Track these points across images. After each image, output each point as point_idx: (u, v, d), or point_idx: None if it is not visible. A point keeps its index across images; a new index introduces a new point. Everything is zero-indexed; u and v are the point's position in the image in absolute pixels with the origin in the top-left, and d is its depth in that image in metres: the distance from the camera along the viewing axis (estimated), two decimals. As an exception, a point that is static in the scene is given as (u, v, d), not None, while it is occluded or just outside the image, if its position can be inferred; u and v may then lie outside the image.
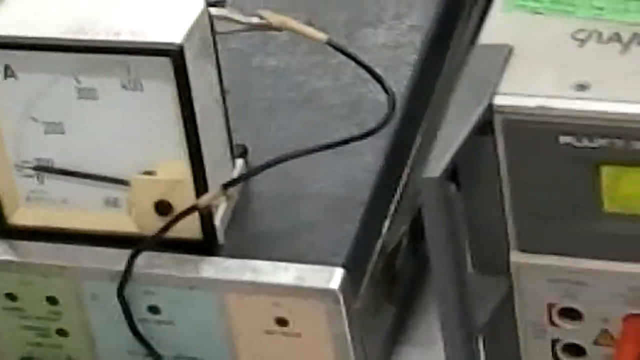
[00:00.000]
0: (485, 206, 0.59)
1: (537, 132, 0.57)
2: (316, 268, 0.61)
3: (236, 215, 0.64)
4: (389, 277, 0.71)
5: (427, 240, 0.57)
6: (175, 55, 0.57)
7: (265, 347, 0.64)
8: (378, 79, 0.67)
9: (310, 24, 0.68)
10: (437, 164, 0.56)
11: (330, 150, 0.64)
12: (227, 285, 0.61)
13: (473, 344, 0.61)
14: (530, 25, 0.61)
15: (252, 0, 0.79)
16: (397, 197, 0.71)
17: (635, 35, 0.58)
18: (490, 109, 0.56)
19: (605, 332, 0.60)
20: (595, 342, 0.60)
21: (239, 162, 0.67)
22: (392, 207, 0.71)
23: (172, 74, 0.58)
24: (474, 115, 0.56)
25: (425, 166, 0.56)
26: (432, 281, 0.71)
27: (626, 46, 0.57)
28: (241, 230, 0.64)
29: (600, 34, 0.58)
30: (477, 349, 0.63)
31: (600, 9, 0.61)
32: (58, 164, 0.63)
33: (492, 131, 0.56)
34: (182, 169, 0.61)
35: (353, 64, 0.70)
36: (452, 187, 0.57)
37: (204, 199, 0.60)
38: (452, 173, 0.57)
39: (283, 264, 0.60)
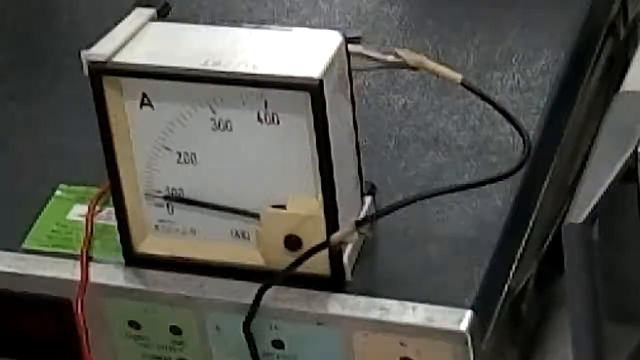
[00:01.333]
0: (626, 253, 0.57)
1: None
2: (445, 309, 0.59)
3: (364, 253, 0.63)
4: (515, 320, 0.70)
5: (567, 286, 0.56)
6: (314, 89, 0.56)
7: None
8: (513, 121, 0.66)
9: (442, 64, 0.68)
10: (580, 210, 0.55)
11: (459, 192, 0.64)
12: (354, 322, 0.59)
13: None
14: None
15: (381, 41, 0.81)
16: (525, 240, 0.70)
17: None
18: (636, 156, 0.55)
19: None
20: None
21: (368, 199, 0.66)
22: (520, 250, 0.70)
23: (309, 108, 0.57)
24: (619, 163, 0.55)
25: (569, 212, 0.55)
26: (554, 324, 0.73)
27: None
28: (369, 268, 0.62)
29: None
30: None
31: None
32: (188, 194, 0.62)
33: (637, 179, 0.56)
34: (313, 204, 0.60)
35: (481, 106, 0.71)
36: (595, 234, 0.56)
37: (336, 236, 0.59)
38: (595, 218, 0.55)
39: (411, 304, 0.59)
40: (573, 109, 0.79)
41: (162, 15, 0.65)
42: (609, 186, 0.55)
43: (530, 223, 0.71)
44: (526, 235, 0.71)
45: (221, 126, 0.61)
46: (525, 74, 0.79)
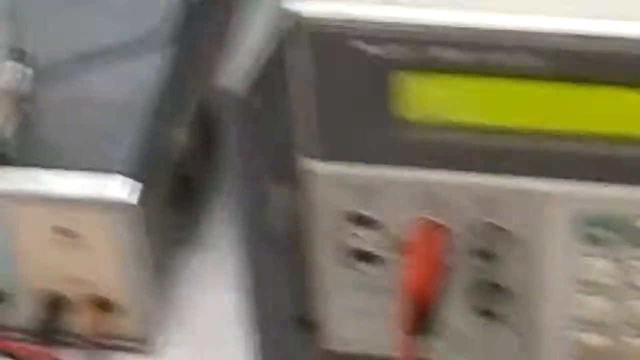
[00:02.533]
0: (284, 115, 0.59)
1: (341, 40, 0.57)
2: (108, 178, 0.61)
3: (24, 125, 0.63)
4: (182, 184, 0.72)
5: (227, 151, 0.58)
6: None
7: (50, 258, 0.63)
8: None
9: None
10: (237, 76, 0.56)
11: (116, 54, 0.64)
12: (11, 196, 0.60)
13: (269, 254, 0.63)
14: None
15: None
16: (189, 104, 0.72)
17: None
18: (294, 17, 0.56)
19: (400, 239, 0.62)
20: (391, 250, 0.62)
21: (17, 67, 0.65)
22: (186, 115, 0.71)
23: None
24: (277, 26, 0.56)
25: (226, 76, 0.57)
26: (219, 187, 0.76)
27: None
28: (25, 138, 0.62)
29: None
30: (272, 259, 0.64)
31: None
32: None
33: (297, 41, 0.57)
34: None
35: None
36: (256, 100, 0.57)
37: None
38: (256, 84, 0.57)
39: (73, 174, 0.60)
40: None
41: None
42: (269, 51, 0.56)
43: (192, 84, 0.73)
44: (191, 99, 0.73)
45: None
46: None
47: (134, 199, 0.64)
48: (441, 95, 0.58)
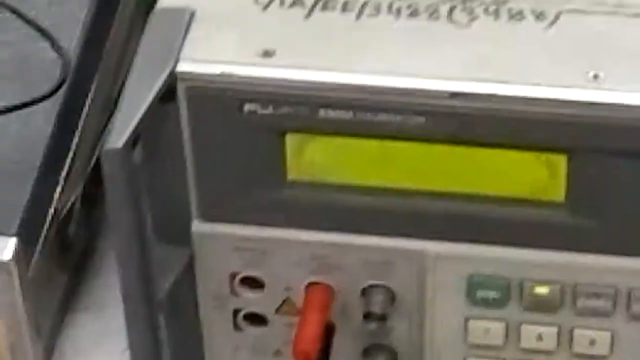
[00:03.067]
0: (169, 175, 0.61)
1: (221, 100, 0.58)
2: None
3: None
4: (62, 244, 0.72)
5: (109, 210, 0.59)
6: None
7: None
8: (50, 38, 0.70)
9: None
10: (119, 134, 0.57)
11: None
12: None
13: (154, 314, 0.63)
14: None
15: None
16: (68, 162, 0.72)
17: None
18: (173, 75, 0.57)
19: (287, 300, 0.63)
20: (278, 311, 0.63)
21: None
22: (64, 173, 0.72)
23: None
24: (157, 83, 0.57)
25: (107, 136, 0.57)
26: (104, 247, 0.76)
27: (310, 11, 0.59)
28: None
29: None
30: (158, 319, 0.64)
31: None
32: None
33: (176, 99, 0.58)
34: None
35: (19, 22, 0.73)
36: (136, 157, 0.57)
37: None
38: (136, 141, 0.57)
39: None
40: (114, 24, 0.82)
41: None
42: (148, 107, 0.56)
43: (74, 144, 0.74)
44: (70, 157, 0.73)
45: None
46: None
47: (8, 255, 0.64)
48: (326, 156, 0.60)
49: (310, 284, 0.64)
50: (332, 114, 0.57)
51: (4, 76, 0.74)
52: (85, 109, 0.77)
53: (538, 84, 0.55)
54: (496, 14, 0.59)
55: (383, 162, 0.60)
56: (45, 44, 0.73)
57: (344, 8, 0.60)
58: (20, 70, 0.74)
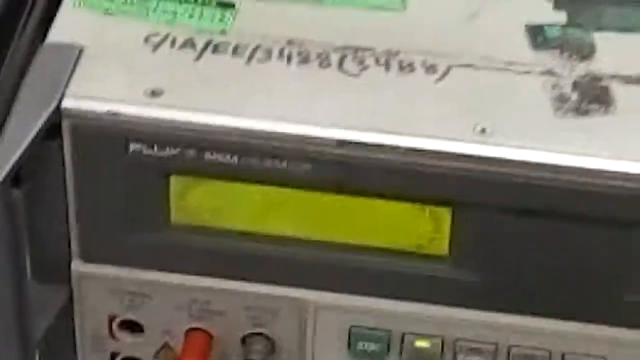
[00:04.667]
0: (49, 213, 0.61)
1: (106, 138, 0.58)
2: None
3: None
4: None
5: None
6: None
7: None
8: None
9: None
10: (0, 169, 0.56)
11: None
12: None
13: (30, 355, 0.62)
14: (102, 26, 0.62)
15: None
16: None
17: (209, 42, 0.61)
18: (58, 111, 0.56)
19: (166, 345, 0.63)
20: (156, 356, 0.63)
21: None
22: None
23: None
24: (41, 118, 0.56)
25: None
26: None
27: (200, 53, 0.60)
28: None
29: (174, 40, 0.61)
30: None
31: (174, 13, 0.63)
32: None
33: (60, 135, 0.57)
34: None
35: None
36: (15, 193, 0.57)
37: None
38: (17, 177, 0.57)
39: None
40: (4, 60, 0.80)
41: None
42: (30, 143, 0.56)
43: None
44: None
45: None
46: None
47: None
48: (211, 200, 0.60)
49: (190, 330, 0.63)
50: (217, 157, 0.57)
51: None
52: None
53: (424, 136, 0.55)
54: (387, 65, 0.60)
55: (267, 209, 0.60)
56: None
57: (235, 52, 0.61)
58: None
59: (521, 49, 0.64)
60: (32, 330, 0.60)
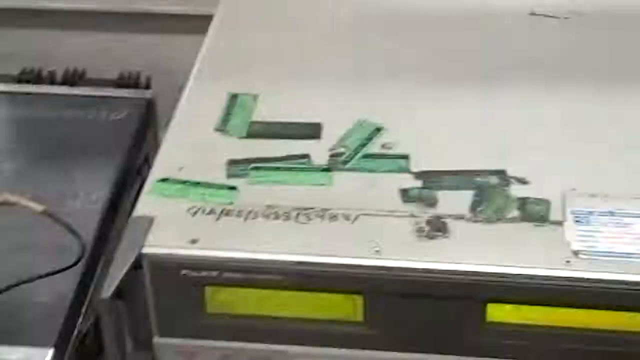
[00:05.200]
0: (138, 313, 0.84)
1: (168, 269, 0.81)
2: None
3: None
4: (80, 355, 0.96)
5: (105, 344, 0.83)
6: None
7: None
8: (74, 232, 0.95)
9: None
10: (108, 288, 0.81)
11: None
12: None
13: None
14: (162, 202, 0.87)
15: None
16: (87, 302, 0.99)
17: (223, 210, 0.86)
18: (140, 255, 0.81)
19: None
20: None
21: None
22: (84, 307, 0.99)
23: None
24: (131, 257, 0.82)
25: (101, 289, 0.81)
26: None
27: (218, 216, 0.85)
28: None
29: (204, 209, 0.86)
30: None
31: (203, 194, 0.88)
32: None
33: (142, 267, 0.82)
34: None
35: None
36: (122, 305, 0.82)
37: None
38: (119, 292, 0.81)
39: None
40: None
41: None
42: (126, 272, 0.80)
43: (91, 290, 1.02)
44: (88, 299, 1.01)
45: None
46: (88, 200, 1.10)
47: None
48: (233, 298, 0.84)
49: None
50: (234, 275, 0.81)
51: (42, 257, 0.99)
52: (97, 273, 1.03)
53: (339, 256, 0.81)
54: (322, 216, 0.84)
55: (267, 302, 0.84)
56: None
57: (239, 214, 0.84)
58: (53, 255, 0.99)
59: (397, 202, 0.88)
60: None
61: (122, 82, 1.32)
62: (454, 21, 1.17)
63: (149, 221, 0.86)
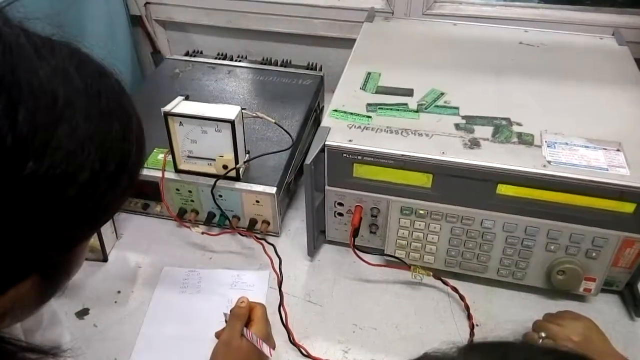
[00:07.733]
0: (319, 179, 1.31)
1: (338, 154, 1.16)
2: None
3: None
4: (287, 191, 1.39)
5: (304, 184, 1.25)
6: (232, 121, 1.33)
7: None
8: (286, 132, 1.48)
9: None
10: (309, 158, 1.19)
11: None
12: None
13: None
14: (335, 122, 1.27)
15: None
16: (290, 169, 1.38)
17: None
18: (324, 145, 1.22)
19: None
20: None
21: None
22: (289, 171, 1.40)
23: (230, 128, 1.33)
24: (320, 146, 1.23)
25: (304, 160, 1.18)
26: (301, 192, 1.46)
27: (362, 130, 1.20)
28: None
29: (355, 125, 1.24)
30: None
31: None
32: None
33: (324, 151, 1.21)
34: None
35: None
36: (313, 167, 1.19)
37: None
38: (314, 162, 1.19)
39: None
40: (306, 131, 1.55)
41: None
42: (317, 153, 1.17)
43: (293, 162, 1.45)
44: (292, 166, 1.43)
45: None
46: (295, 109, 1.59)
47: (273, 191, 1.27)
48: (366, 170, 1.20)
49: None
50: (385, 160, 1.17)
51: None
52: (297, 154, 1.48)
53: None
54: None
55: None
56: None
57: (374, 130, 1.27)
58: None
59: (452, 129, 1.26)
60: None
61: (309, 67, 2.10)
62: (476, 44, 1.71)
63: (328, 130, 1.32)
